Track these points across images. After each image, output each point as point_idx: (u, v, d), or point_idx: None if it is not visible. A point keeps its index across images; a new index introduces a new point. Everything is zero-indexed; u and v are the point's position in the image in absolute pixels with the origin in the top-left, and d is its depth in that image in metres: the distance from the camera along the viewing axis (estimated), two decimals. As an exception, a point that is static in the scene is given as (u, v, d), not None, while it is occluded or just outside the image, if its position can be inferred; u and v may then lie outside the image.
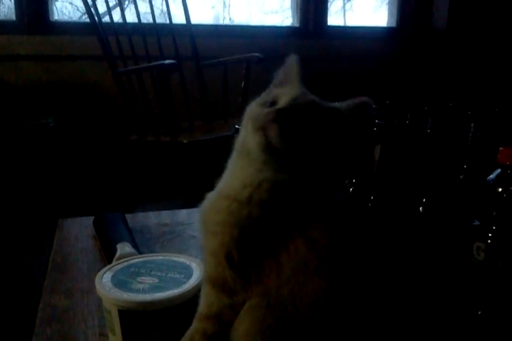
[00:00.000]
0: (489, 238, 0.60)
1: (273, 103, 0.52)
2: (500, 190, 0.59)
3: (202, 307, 0.56)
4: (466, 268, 0.63)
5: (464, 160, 0.72)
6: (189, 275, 0.65)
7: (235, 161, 0.55)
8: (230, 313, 0.53)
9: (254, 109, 0.53)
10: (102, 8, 2.26)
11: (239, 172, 0.53)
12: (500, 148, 0.59)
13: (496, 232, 0.60)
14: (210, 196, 0.57)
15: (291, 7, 3.17)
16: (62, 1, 2.81)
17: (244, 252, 0.52)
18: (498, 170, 0.60)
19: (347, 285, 0.51)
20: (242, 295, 0.52)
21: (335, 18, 3.29)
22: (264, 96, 0.56)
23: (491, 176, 0.61)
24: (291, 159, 0.50)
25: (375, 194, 0.73)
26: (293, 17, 3.16)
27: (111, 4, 2.37)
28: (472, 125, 0.72)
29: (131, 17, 2.44)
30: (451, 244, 0.67)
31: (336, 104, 0.53)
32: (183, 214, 1.16)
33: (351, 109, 0.52)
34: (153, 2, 2.39)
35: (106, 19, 2.35)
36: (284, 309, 0.50)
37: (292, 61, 0.58)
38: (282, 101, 0.52)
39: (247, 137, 0.52)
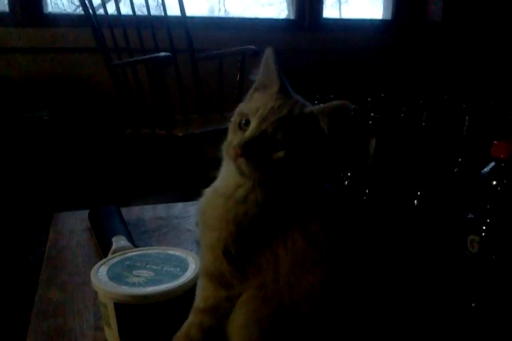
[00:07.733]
0: (483, 231, 0.61)
1: (247, 122, 0.52)
2: (494, 183, 0.59)
3: (198, 300, 0.56)
4: (460, 261, 0.64)
5: (458, 153, 0.73)
6: (185, 269, 0.65)
7: (226, 162, 0.55)
8: (227, 306, 0.53)
9: (231, 127, 0.54)
10: (96, 0, 2.24)
11: (231, 172, 0.53)
12: (495, 142, 0.60)
13: (489, 225, 0.60)
14: (207, 192, 0.57)
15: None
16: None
17: (241, 247, 0.52)
18: (492, 164, 0.60)
19: (344, 278, 0.51)
20: (239, 288, 0.53)
21: (330, 10, 3.27)
22: (244, 105, 0.55)
23: (485, 169, 0.61)
24: (268, 177, 0.51)
25: (370, 187, 0.73)
26: (288, 9, 3.15)
27: (105, -4, 2.35)
28: (467, 118, 0.73)
29: (125, 9, 2.41)
30: (446, 237, 0.67)
31: (314, 108, 0.52)
32: (178, 207, 1.16)
33: (329, 112, 0.51)
34: (147, -6, 2.37)
35: (100, 11, 2.33)
36: (280, 301, 0.50)
37: (269, 57, 0.55)
38: (250, 128, 0.51)
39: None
